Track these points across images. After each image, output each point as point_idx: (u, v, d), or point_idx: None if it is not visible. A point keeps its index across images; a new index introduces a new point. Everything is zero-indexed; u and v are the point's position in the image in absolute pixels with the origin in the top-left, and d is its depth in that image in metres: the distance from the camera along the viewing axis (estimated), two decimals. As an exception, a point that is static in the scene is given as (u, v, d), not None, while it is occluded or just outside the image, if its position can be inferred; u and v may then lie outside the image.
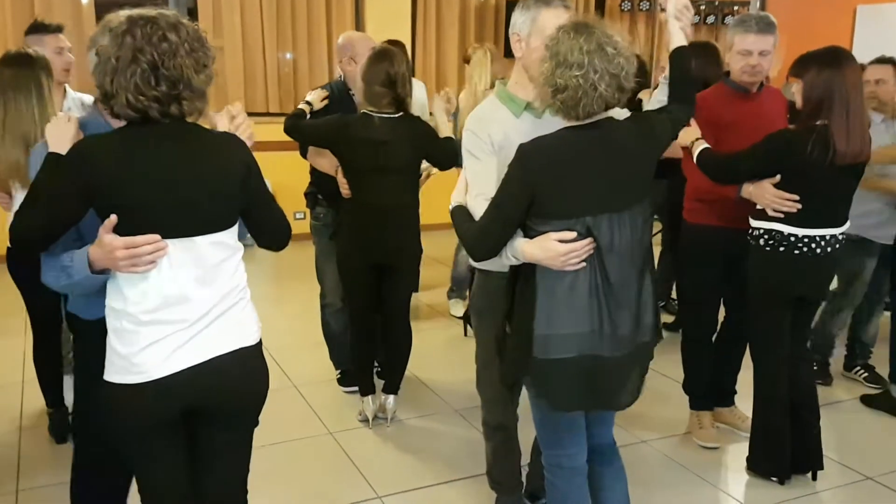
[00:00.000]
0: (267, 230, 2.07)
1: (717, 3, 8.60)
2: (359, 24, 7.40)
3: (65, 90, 3.74)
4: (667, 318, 5.24)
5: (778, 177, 2.86)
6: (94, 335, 2.06)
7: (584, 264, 2.06)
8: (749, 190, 2.95)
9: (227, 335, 1.92)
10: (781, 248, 2.90)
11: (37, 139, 2.92)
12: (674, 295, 5.42)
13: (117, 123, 1.94)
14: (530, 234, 2.10)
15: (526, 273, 2.15)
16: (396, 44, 5.01)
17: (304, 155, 3.76)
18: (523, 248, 2.09)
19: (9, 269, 3.27)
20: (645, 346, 2.22)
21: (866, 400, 4.03)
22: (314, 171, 3.85)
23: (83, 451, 2.36)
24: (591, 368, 2.12)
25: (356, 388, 3.82)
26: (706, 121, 3.18)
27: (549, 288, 2.09)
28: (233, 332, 1.93)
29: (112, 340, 1.86)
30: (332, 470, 3.34)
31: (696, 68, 4.53)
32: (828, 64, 2.80)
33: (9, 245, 3.07)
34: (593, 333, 2.10)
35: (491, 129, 2.32)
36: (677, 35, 2.42)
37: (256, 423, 2.10)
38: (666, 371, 4.33)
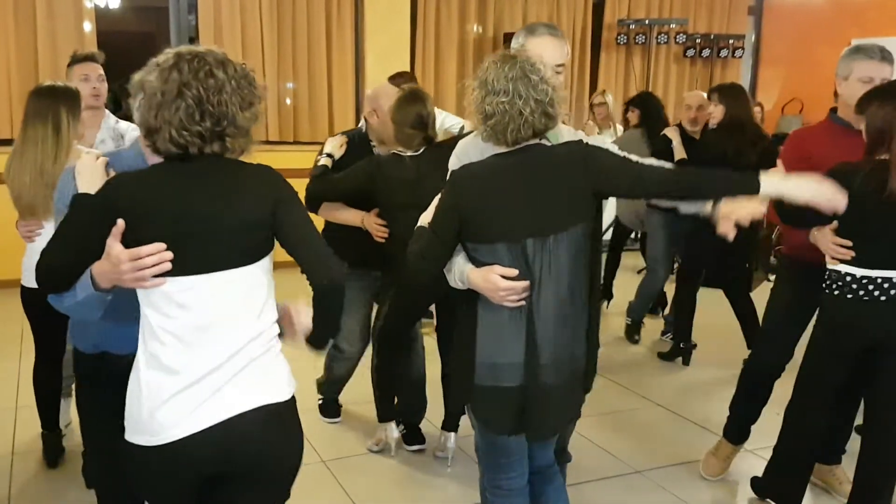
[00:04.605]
0: (304, 266, 1.89)
1: (712, 36, 8.68)
2: (359, 56, 7.48)
3: (103, 118, 3.84)
4: (662, 348, 5.24)
5: (836, 223, 2.74)
6: (90, 369, 2.08)
7: (522, 303, 2.09)
8: (815, 235, 2.84)
9: (254, 388, 1.80)
10: (837, 292, 2.78)
11: (52, 169, 2.98)
12: (664, 328, 5.46)
13: (154, 160, 1.90)
14: (473, 260, 2.14)
15: (468, 300, 2.17)
16: (404, 75, 5.08)
17: (315, 210, 3.47)
18: (469, 275, 2.12)
19: (24, 306, 3.30)
20: (579, 372, 2.24)
21: None
22: (326, 226, 3.79)
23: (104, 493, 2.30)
24: (526, 397, 2.15)
25: (338, 420, 3.92)
26: (805, 157, 2.99)
27: (490, 316, 2.13)
28: (260, 384, 1.82)
29: (130, 396, 1.80)
30: (323, 500, 3.32)
31: (726, 108, 4.54)
32: (888, 99, 2.70)
33: (22, 285, 3.16)
34: (528, 363, 2.13)
35: (472, 156, 2.34)
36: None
37: (287, 496, 1.96)
38: (661, 401, 4.33)
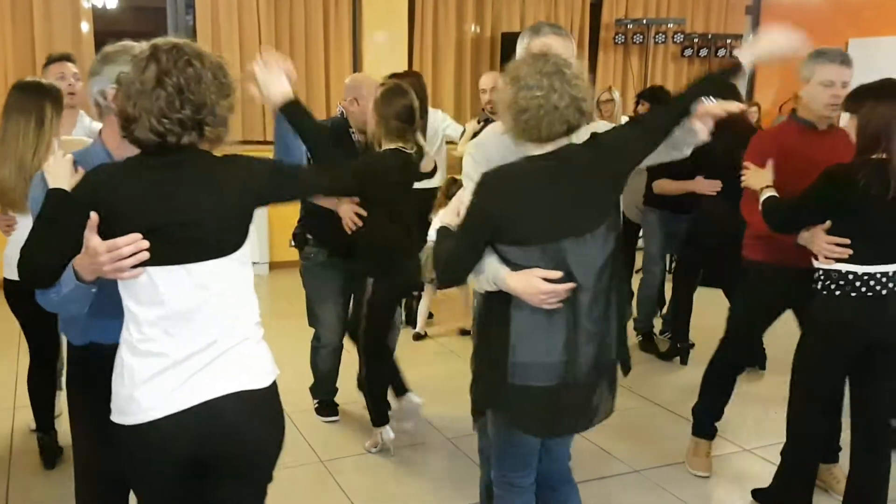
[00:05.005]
0: (319, 193, 2.00)
1: (710, 36, 8.69)
2: (356, 56, 7.48)
3: (78, 116, 3.89)
4: (660, 347, 5.24)
5: (829, 223, 2.76)
6: (81, 362, 2.08)
7: (560, 305, 2.08)
8: (804, 236, 2.85)
9: (233, 374, 1.84)
10: (838, 292, 2.75)
11: (31, 162, 2.98)
12: (658, 327, 5.46)
13: (120, 153, 1.94)
14: (506, 262, 2.11)
15: (501, 300, 2.15)
16: (412, 74, 5.09)
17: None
18: (506, 279, 2.10)
19: (6, 299, 3.30)
20: (610, 364, 2.24)
21: None
22: (304, 209, 3.84)
23: (81, 486, 2.32)
24: (562, 395, 2.15)
25: (336, 418, 3.98)
26: (779, 157, 3.05)
27: (525, 317, 2.11)
28: (240, 371, 1.86)
29: (115, 379, 1.84)
30: (322, 499, 3.33)
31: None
32: (885, 97, 2.69)
33: (5, 277, 3.17)
34: (568, 362, 2.12)
35: (490, 154, 2.34)
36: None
37: (269, 477, 2.01)
38: (660, 401, 4.33)
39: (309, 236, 3.79)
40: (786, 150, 3.09)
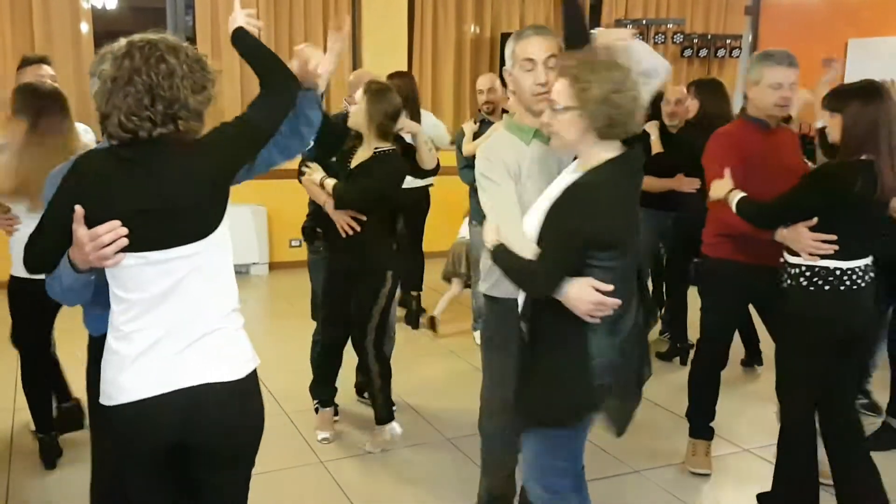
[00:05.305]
0: (278, 119, 2.03)
1: (709, 36, 8.69)
2: (356, 55, 7.47)
3: None
4: (660, 348, 5.23)
5: (815, 220, 2.78)
6: (96, 354, 2.10)
7: (597, 320, 2.08)
8: (783, 234, 2.87)
9: (212, 363, 1.88)
10: (827, 287, 2.79)
11: (52, 161, 2.99)
12: (661, 328, 5.43)
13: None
14: (587, 268, 2.09)
15: (558, 303, 2.11)
16: (404, 75, 5.08)
17: (300, 180, 3.68)
18: (566, 287, 2.07)
19: (8, 286, 3.31)
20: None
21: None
22: (313, 205, 3.85)
23: (98, 480, 2.34)
24: (639, 390, 2.32)
25: (336, 419, 3.97)
26: (743, 157, 3.10)
27: (605, 318, 2.10)
28: (218, 361, 1.90)
29: (103, 364, 1.90)
30: (322, 500, 3.33)
31: (700, 103, 4.57)
32: (872, 98, 2.71)
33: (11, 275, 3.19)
34: (643, 357, 2.28)
35: (504, 156, 2.37)
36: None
37: (252, 465, 2.06)
38: (660, 401, 4.33)
39: (318, 230, 3.81)
40: (742, 149, 3.17)
